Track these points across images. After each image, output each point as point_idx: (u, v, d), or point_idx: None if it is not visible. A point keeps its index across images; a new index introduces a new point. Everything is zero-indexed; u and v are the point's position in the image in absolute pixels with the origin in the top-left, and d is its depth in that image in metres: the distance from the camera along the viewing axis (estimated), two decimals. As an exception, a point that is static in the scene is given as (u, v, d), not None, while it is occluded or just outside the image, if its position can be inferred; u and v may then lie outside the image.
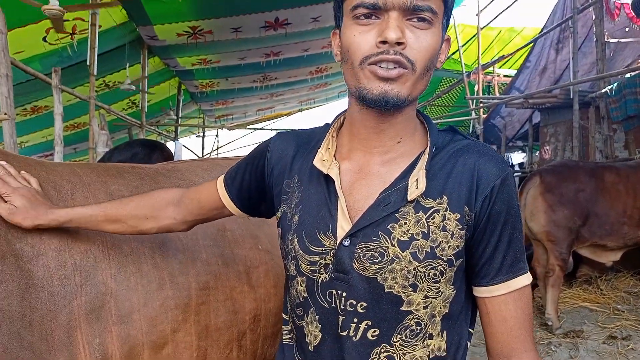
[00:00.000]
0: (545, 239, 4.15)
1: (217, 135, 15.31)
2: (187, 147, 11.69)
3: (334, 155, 0.96)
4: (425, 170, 0.87)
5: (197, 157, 13.24)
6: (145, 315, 1.13)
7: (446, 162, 0.90)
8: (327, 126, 1.03)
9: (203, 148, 13.98)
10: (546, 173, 4.28)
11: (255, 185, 1.06)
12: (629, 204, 4.09)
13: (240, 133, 16.08)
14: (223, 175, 1.12)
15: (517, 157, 18.24)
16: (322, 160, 0.94)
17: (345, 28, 0.87)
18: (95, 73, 5.95)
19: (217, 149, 15.09)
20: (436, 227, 0.86)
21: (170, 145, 11.19)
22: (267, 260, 1.42)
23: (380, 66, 0.81)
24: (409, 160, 0.91)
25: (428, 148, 0.91)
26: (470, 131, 12.11)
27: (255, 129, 14.66)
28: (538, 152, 10.39)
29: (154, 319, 1.14)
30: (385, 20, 0.81)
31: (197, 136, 14.52)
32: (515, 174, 11.10)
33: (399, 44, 0.80)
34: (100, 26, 5.92)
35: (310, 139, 1.03)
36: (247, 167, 1.08)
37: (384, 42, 0.80)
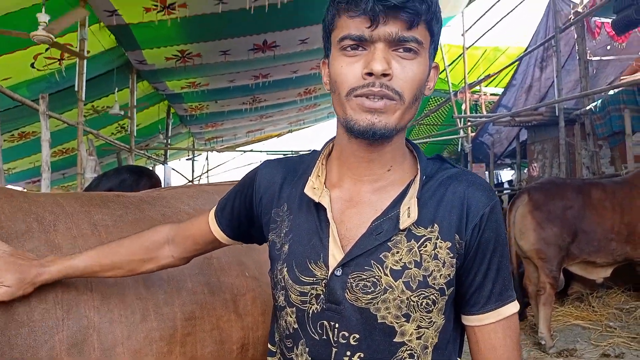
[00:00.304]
0: (535, 257, 4.16)
1: (207, 158, 15.30)
2: (176, 170, 11.65)
3: (324, 183, 0.95)
4: (417, 199, 0.87)
5: (187, 181, 13.20)
6: (129, 348, 1.10)
7: (436, 190, 0.90)
8: (315, 153, 1.03)
9: (193, 171, 13.95)
10: (534, 191, 4.31)
11: (245, 213, 1.06)
12: (617, 220, 4.12)
13: (231, 155, 16.08)
14: (214, 208, 1.11)
15: (506, 175, 18.41)
16: (313, 189, 0.93)
17: (333, 59, 0.87)
18: (83, 98, 5.95)
19: (207, 171, 15.06)
20: (428, 255, 0.86)
21: (159, 169, 11.16)
22: (255, 287, 1.40)
23: (367, 98, 0.82)
24: (400, 188, 0.91)
25: (418, 176, 0.91)
26: (459, 149, 12.23)
27: (245, 151, 14.67)
28: (526, 169, 10.49)
29: (138, 351, 1.11)
30: (371, 51, 0.82)
31: (187, 159, 14.50)
32: (505, 192, 11.19)
33: (385, 75, 0.81)
34: (88, 52, 5.94)
35: (297, 167, 1.02)
36: (236, 197, 1.07)
37: (370, 74, 0.81)
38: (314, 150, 1.04)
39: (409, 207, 0.87)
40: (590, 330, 4.55)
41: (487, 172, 12.03)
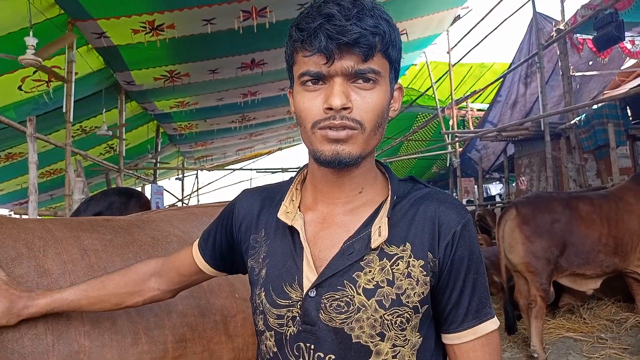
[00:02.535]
0: (525, 271, 4.19)
1: (196, 177, 15.24)
2: (167, 190, 11.59)
3: (299, 207, 0.97)
4: (387, 218, 0.89)
5: (177, 200, 13.11)
6: (120, 372, 1.10)
7: (408, 210, 0.91)
8: (291, 180, 1.05)
9: (183, 190, 13.88)
10: (522, 205, 4.36)
11: (226, 243, 1.07)
12: (604, 232, 4.17)
13: (221, 173, 16.06)
14: (197, 240, 1.13)
15: (495, 188, 18.58)
16: (287, 213, 0.95)
17: (296, 93, 0.90)
18: (71, 120, 5.93)
19: (197, 190, 15.00)
20: (401, 274, 0.87)
21: (147, 189, 11.10)
22: (244, 309, 1.40)
23: (330, 130, 0.84)
24: (372, 208, 0.93)
25: (389, 197, 0.92)
26: (448, 164, 12.32)
27: (234, 169, 14.66)
28: (514, 182, 10.60)
29: (129, 376, 1.11)
30: (330, 85, 0.84)
31: (176, 178, 14.43)
32: (498, 205, 11.27)
33: (345, 109, 0.83)
34: (76, 73, 5.94)
35: (275, 193, 1.04)
36: (218, 228, 1.09)
37: (331, 109, 0.83)
38: (291, 177, 1.07)
39: (379, 227, 0.88)
40: (582, 342, 4.57)
41: (476, 187, 12.12)
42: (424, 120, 13.59)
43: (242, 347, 1.36)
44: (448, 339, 0.91)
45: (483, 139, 9.88)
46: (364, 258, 0.88)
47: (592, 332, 4.76)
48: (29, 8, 4.57)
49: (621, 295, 5.38)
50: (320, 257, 0.90)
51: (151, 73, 7.33)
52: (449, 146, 11.48)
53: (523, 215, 4.24)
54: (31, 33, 4.57)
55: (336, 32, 0.81)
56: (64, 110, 5.82)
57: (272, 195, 1.04)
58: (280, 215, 0.95)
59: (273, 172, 14.42)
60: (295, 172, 1.06)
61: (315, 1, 0.86)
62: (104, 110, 7.52)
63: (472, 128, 11.79)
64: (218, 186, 20.11)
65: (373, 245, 0.87)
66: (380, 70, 0.86)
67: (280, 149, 16.68)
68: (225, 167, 15.65)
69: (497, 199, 14.99)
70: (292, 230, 0.94)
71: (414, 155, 13.40)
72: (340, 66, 0.83)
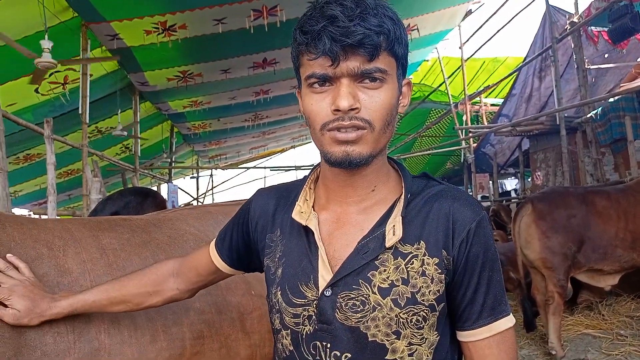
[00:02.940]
0: (542, 266, 4.14)
1: (211, 175, 15.35)
2: (182, 188, 11.69)
3: (313, 207, 0.97)
4: (401, 217, 0.88)
5: (191, 199, 13.21)
6: (139, 369, 1.12)
7: (422, 207, 0.91)
8: (305, 179, 1.05)
9: (197, 189, 13.98)
10: (537, 200, 4.31)
11: (243, 243, 1.08)
12: (621, 227, 4.11)
13: (235, 172, 16.14)
14: (214, 239, 1.14)
15: (510, 183, 18.41)
16: (301, 213, 0.95)
17: (304, 94, 0.90)
18: (87, 121, 6.02)
19: (211, 188, 15.10)
20: (415, 272, 0.87)
21: (163, 188, 11.20)
22: (260, 306, 1.41)
23: (339, 131, 0.84)
24: (385, 207, 0.93)
25: (403, 194, 0.92)
26: (462, 160, 12.23)
27: (248, 168, 14.73)
28: (530, 178, 10.49)
29: (148, 372, 1.13)
30: (337, 87, 0.84)
31: (191, 177, 14.55)
32: (513, 200, 11.16)
33: (352, 109, 0.83)
34: (91, 75, 6.03)
35: (289, 192, 1.05)
36: (234, 227, 1.10)
37: (338, 110, 0.83)
38: (305, 176, 1.07)
39: (394, 226, 0.88)
40: (601, 339, 4.51)
41: (491, 182, 12.02)
42: (437, 116, 13.52)
43: (259, 344, 1.37)
44: (463, 336, 0.91)
45: (497, 134, 9.79)
46: (379, 257, 0.88)
47: (611, 329, 4.69)
48: (43, 12, 4.64)
49: (640, 291, 5.30)
50: (335, 256, 0.91)
51: (164, 74, 7.40)
52: (463, 142, 11.39)
53: (539, 210, 4.19)
54: (46, 36, 4.65)
55: (340, 33, 0.80)
56: (79, 112, 5.90)
57: (286, 194, 1.05)
58: (295, 215, 0.95)
59: (286, 170, 14.46)
60: (309, 171, 1.06)
61: (318, 2, 0.85)
62: (119, 111, 7.61)
63: (485, 123, 11.68)
64: (232, 184, 20.28)
65: (387, 245, 0.87)
66: (387, 68, 0.85)
67: (293, 146, 16.73)
68: (239, 166, 15.72)
69: (513, 194, 14.84)
70: (307, 230, 0.94)
71: (428, 152, 13.33)
72: (346, 67, 0.83)
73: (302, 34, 0.85)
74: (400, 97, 0.92)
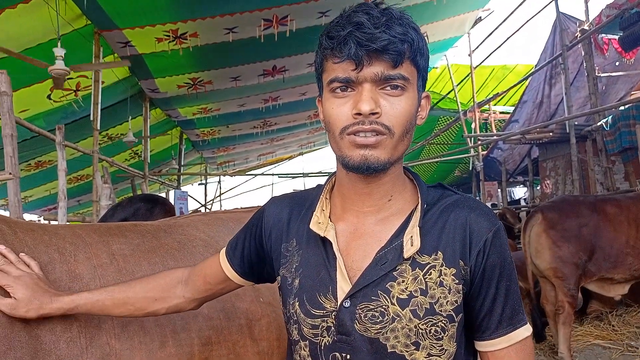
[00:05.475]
0: (552, 276, 4.11)
1: (219, 182, 15.41)
2: (190, 195, 11.75)
3: (329, 217, 0.97)
4: (419, 228, 0.89)
5: (199, 205, 13.26)
6: (148, 374, 1.12)
7: (438, 218, 0.91)
8: (319, 187, 1.05)
9: (206, 195, 14.04)
10: (547, 210, 4.28)
11: (255, 251, 1.08)
12: (632, 235, 4.08)
13: (243, 179, 16.20)
14: (225, 248, 1.13)
15: (519, 192, 18.29)
16: (318, 223, 0.95)
17: (325, 100, 0.90)
18: (98, 128, 6.07)
19: (219, 195, 15.15)
20: (433, 282, 0.87)
21: (171, 194, 11.25)
22: (269, 313, 1.41)
23: (358, 135, 0.85)
24: (402, 217, 0.93)
25: (420, 205, 0.92)
26: (470, 168, 12.18)
27: (256, 175, 14.76)
28: (539, 186, 10.42)
29: (157, 378, 1.13)
30: (359, 92, 0.85)
31: (199, 184, 14.61)
32: (523, 209, 11.08)
33: (373, 114, 0.84)
34: (103, 82, 6.09)
35: (303, 201, 1.05)
36: (246, 236, 1.09)
37: (360, 114, 0.84)
38: (318, 184, 1.07)
39: (411, 236, 0.88)
40: (611, 350, 4.46)
41: (499, 190, 11.95)
42: (445, 123, 13.49)
43: (267, 351, 1.37)
44: (482, 346, 0.91)
45: (507, 142, 9.74)
46: (397, 268, 0.88)
47: (622, 340, 4.63)
48: (57, 19, 4.71)
49: (652, 301, 5.23)
50: (354, 267, 0.91)
51: (175, 81, 7.47)
52: (472, 150, 11.35)
53: (549, 219, 4.16)
54: (59, 44, 4.71)
55: (366, 39, 0.82)
56: (91, 119, 5.96)
57: (300, 202, 1.05)
58: (312, 226, 0.95)
59: (294, 177, 14.49)
60: (325, 181, 1.06)
61: (345, 11, 0.87)
62: (130, 118, 7.68)
63: (494, 131, 11.63)
64: (240, 191, 20.32)
65: (405, 256, 0.87)
66: (409, 77, 0.87)
67: (301, 153, 16.74)
68: (247, 173, 15.77)
69: (522, 202, 14.74)
70: (325, 241, 0.94)
71: (436, 159, 13.29)
72: (370, 72, 0.84)
73: (328, 39, 0.87)
74: (419, 109, 0.93)
